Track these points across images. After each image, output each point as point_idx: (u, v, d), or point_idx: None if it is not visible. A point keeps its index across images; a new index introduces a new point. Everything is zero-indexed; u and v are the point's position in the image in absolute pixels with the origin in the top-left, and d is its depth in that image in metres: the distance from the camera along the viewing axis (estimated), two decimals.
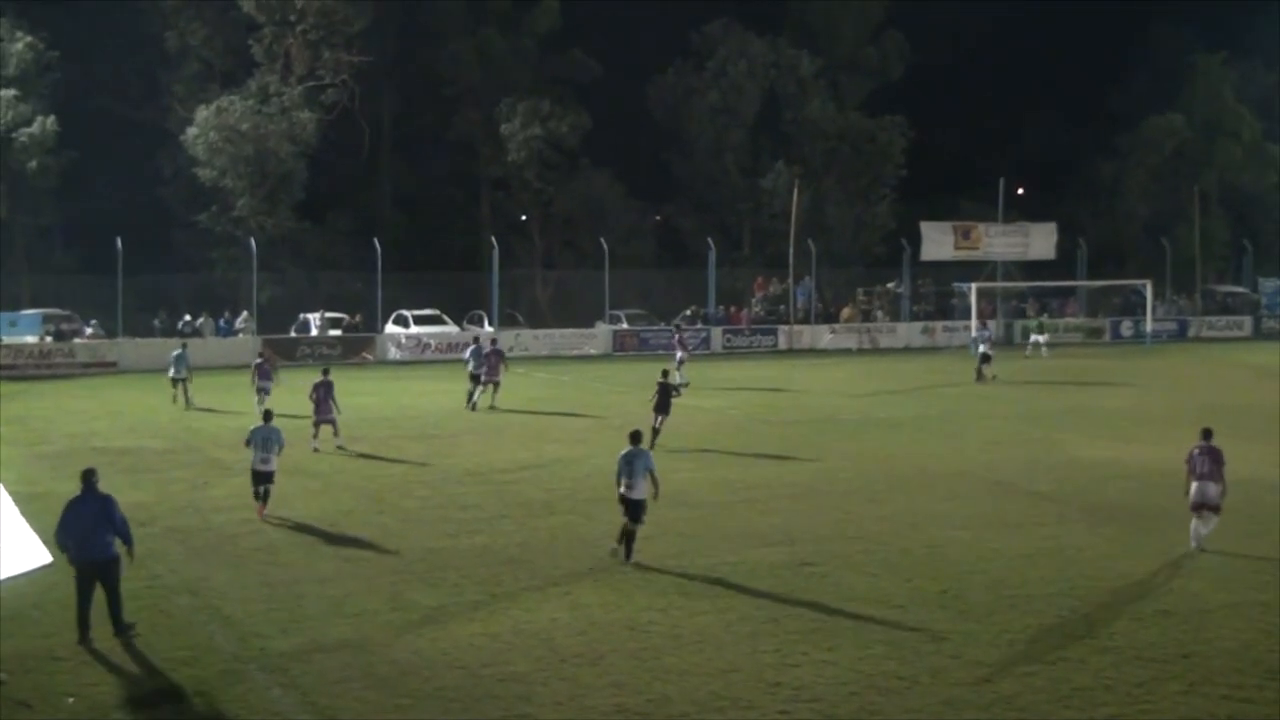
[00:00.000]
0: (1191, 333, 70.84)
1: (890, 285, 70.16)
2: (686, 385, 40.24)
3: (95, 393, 44.33)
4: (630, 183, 73.15)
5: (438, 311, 61.57)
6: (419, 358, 57.40)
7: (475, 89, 72.30)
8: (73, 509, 15.67)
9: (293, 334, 58.38)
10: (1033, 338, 60.21)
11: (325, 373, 31.88)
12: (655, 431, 30.20)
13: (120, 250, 53.03)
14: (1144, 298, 67.73)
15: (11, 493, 24.34)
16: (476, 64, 72.35)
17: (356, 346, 56.57)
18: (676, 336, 51.13)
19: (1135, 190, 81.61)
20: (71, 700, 13.79)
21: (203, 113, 61.82)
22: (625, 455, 19.14)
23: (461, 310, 63.31)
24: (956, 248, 68.30)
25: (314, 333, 58.20)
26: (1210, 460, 19.81)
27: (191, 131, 61.80)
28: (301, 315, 60.20)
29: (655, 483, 19.12)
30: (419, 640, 15.60)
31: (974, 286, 64.22)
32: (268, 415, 24.03)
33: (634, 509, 19.01)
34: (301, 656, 15.05)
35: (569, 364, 55.19)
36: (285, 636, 15.75)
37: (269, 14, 64.05)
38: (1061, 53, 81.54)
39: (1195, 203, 74.64)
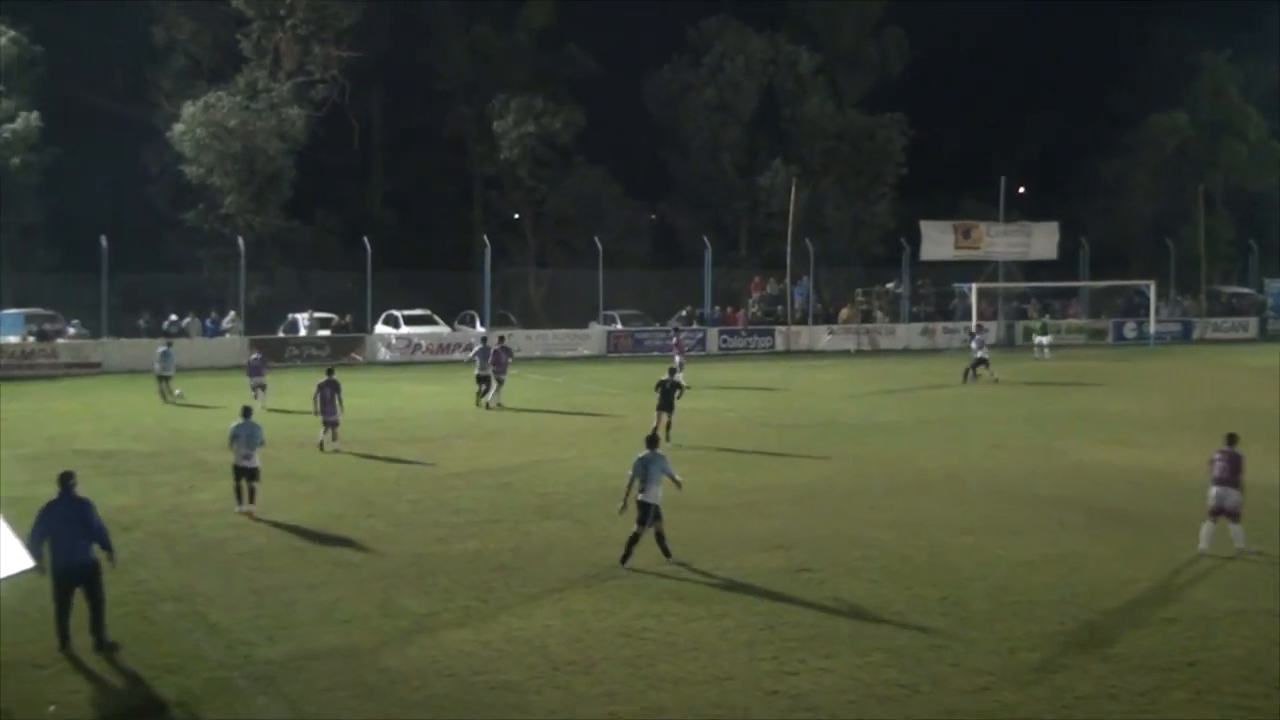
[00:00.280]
0: (1196, 334, 70.89)
1: (889, 285, 70.18)
2: (686, 388, 39.99)
3: (78, 394, 44.26)
4: (625, 181, 73.18)
5: (428, 312, 61.55)
6: (409, 359, 57.37)
7: (468, 85, 72.32)
8: (49, 513, 15.51)
9: (281, 334, 58.34)
10: (1036, 339, 60.24)
11: (330, 373, 32.21)
12: (667, 426, 30.68)
13: (105, 249, 52.96)
14: (1147, 299, 67.82)
15: None
16: (469, 60, 72.41)
17: (346, 347, 56.51)
18: (674, 339, 51.13)
19: (1139, 189, 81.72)
20: (53, 709, 13.75)
21: (190, 109, 61.75)
22: (641, 459, 19.18)
23: (453, 310, 63.27)
24: (957, 247, 68.37)
25: (303, 333, 58.17)
26: (1229, 466, 19.80)
27: (178, 128, 61.73)
28: (290, 315, 60.15)
29: (676, 484, 19.32)
30: (409, 648, 15.57)
31: (974, 287, 64.35)
32: (247, 411, 24.00)
33: (648, 513, 19.04)
34: (289, 664, 15.00)
35: (562, 365, 55.17)
36: (273, 644, 15.71)
37: (258, 8, 64.03)
38: (1064, 49, 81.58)
39: (1200, 202, 74.74)
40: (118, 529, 18.93)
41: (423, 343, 58.51)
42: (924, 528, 21.92)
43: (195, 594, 17.97)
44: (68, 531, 15.36)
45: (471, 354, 41.72)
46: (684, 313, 65.61)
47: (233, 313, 58.35)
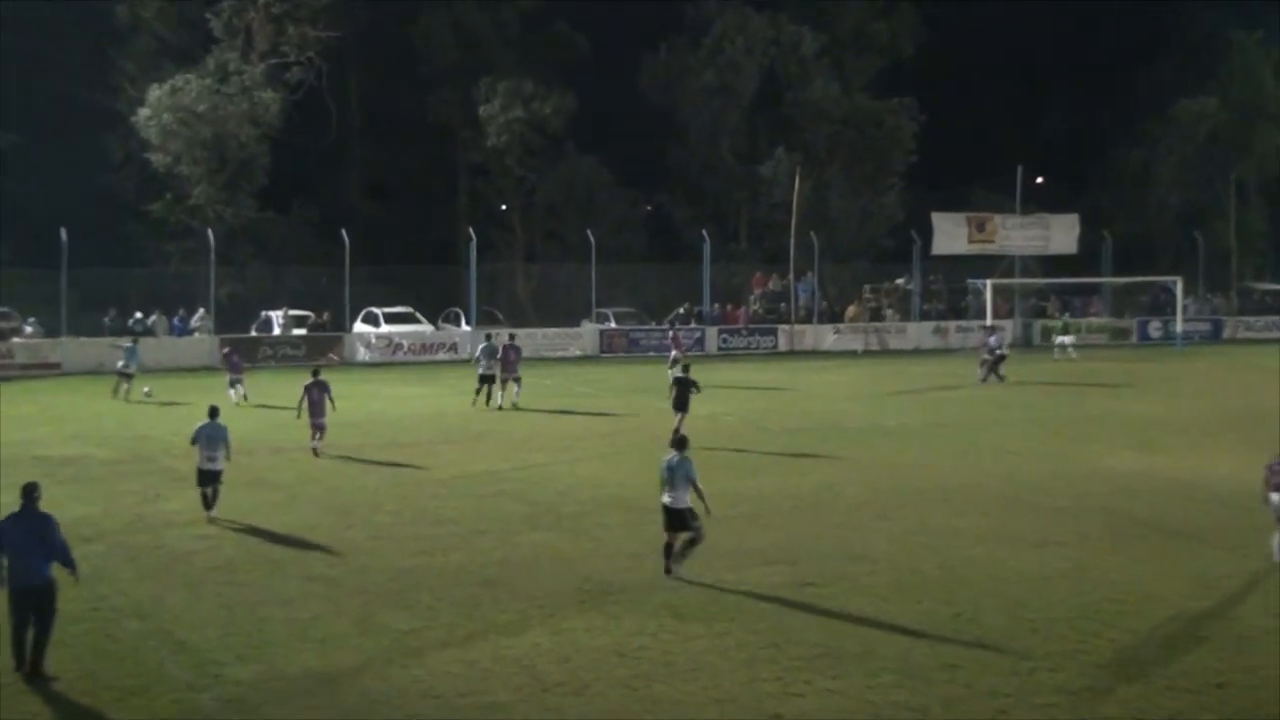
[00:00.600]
0: (1226, 334, 71.01)
1: (899, 281, 70.24)
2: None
3: (35, 396, 44.20)
4: (619, 170, 73.21)
5: (411, 309, 61.56)
6: (390, 359, 57.36)
7: (452, 68, 72.31)
8: (6, 527, 15.45)
9: (254, 333, 58.31)
10: (1057, 339, 60.24)
11: (316, 373, 32.29)
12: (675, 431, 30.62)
13: (64, 242, 52.86)
14: (1174, 296, 67.83)
15: None
16: (453, 41, 72.43)
17: (323, 347, 56.47)
18: (671, 335, 51.48)
19: (1165, 179, 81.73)
20: None
21: (156, 93, 61.71)
22: (668, 463, 19.31)
23: (436, 308, 63.27)
24: (971, 241, 68.33)
25: (277, 332, 58.13)
26: None
27: (143, 113, 61.71)
28: (263, 313, 60.17)
29: (700, 493, 19.21)
30: (390, 668, 15.54)
31: (989, 283, 64.32)
32: (213, 411, 24.18)
33: (674, 519, 19.11)
34: (262, 686, 14.97)
35: (552, 366, 55.14)
36: (244, 664, 15.67)
37: None
38: (1085, 29, 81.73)
39: (1231, 193, 74.82)
40: (78, 541, 18.88)
41: (404, 342, 58.51)
42: (935, 539, 21.91)
43: (161, 610, 17.93)
44: (26, 548, 15.19)
45: (476, 352, 42.62)
46: (681, 310, 65.61)
47: (202, 310, 58.28)
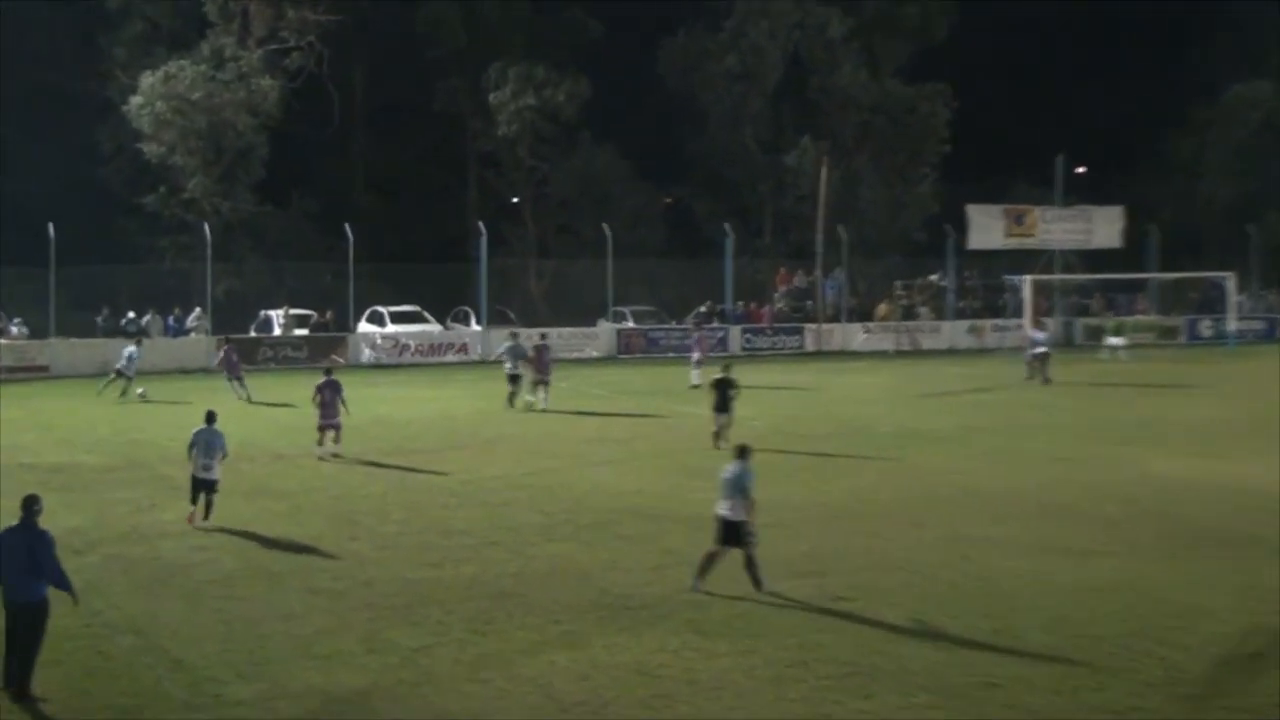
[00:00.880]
0: None
1: (933, 278, 70.20)
2: (698, 386, 43.24)
3: (22, 400, 44.28)
4: (636, 160, 73.29)
5: (418, 308, 61.66)
6: (397, 361, 57.44)
7: (460, 53, 72.44)
8: (4, 541, 15.27)
9: (253, 333, 58.42)
10: (1108, 340, 60.02)
11: (328, 372, 32.88)
12: (716, 434, 31.89)
13: (52, 238, 52.94)
14: (1226, 292, 67.63)
15: None
16: (461, 24, 72.45)
17: (325, 348, 56.50)
18: (695, 335, 51.65)
19: (1216, 168, 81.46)
20: None
21: (148, 80, 61.83)
22: (726, 471, 19.36)
23: (445, 307, 63.38)
24: (1008, 235, 68.23)
25: (277, 332, 58.25)
26: None
27: (135, 102, 61.83)
28: (263, 312, 60.28)
29: (750, 506, 19.14)
30: (398, 686, 15.54)
31: (1028, 279, 64.14)
32: (210, 416, 24.48)
33: (728, 532, 19.10)
34: (263, 705, 14.99)
35: (567, 368, 54.98)
36: (244, 682, 15.69)
37: None
38: (1130, 11, 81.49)
39: None
40: (69, 553, 18.89)
41: (411, 343, 58.59)
42: (973, 549, 21.87)
43: (157, 626, 17.96)
44: (21, 564, 15.15)
45: (499, 352, 43.63)
46: (703, 309, 65.62)
47: (198, 309, 58.41)
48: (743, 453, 19.65)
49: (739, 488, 19.09)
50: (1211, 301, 71.43)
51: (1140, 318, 69.96)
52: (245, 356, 52.14)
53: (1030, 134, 76.41)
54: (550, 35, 73.43)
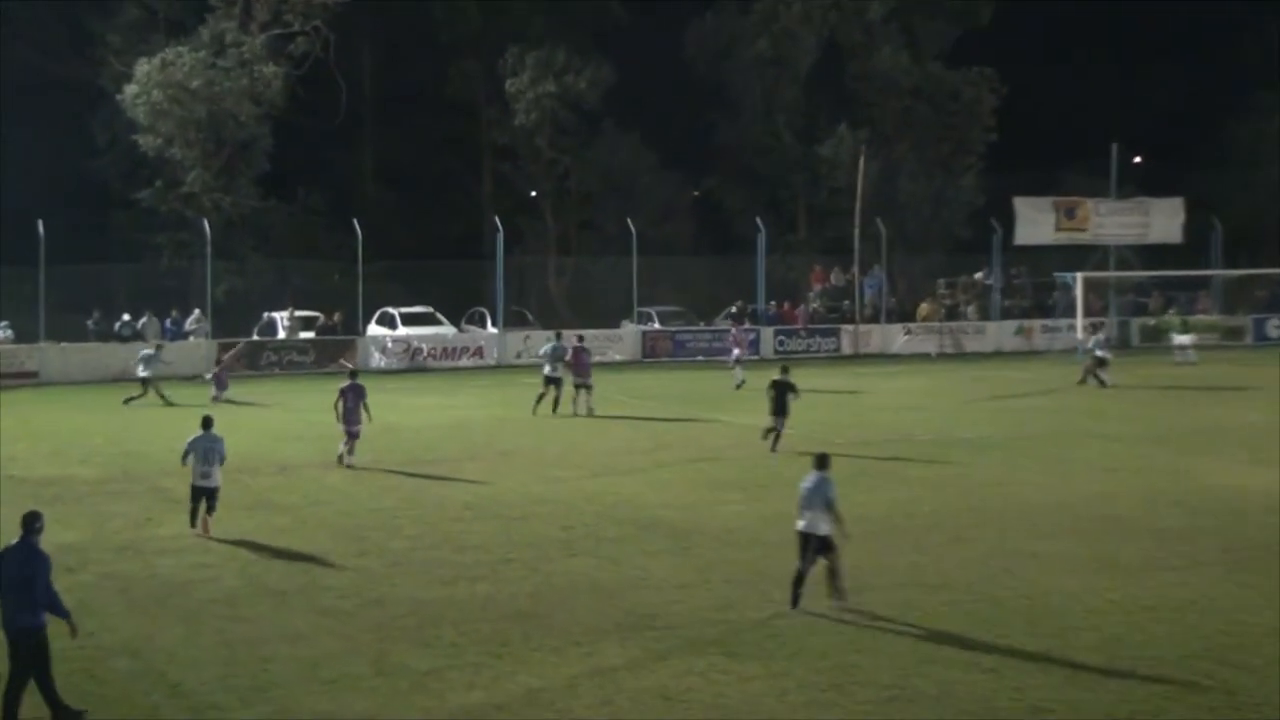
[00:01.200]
0: None
1: (978, 276, 70.04)
2: (743, 383, 46.68)
3: (11, 409, 44.34)
4: (662, 151, 73.24)
5: (430, 309, 61.76)
6: (409, 365, 57.53)
7: (475, 37, 72.59)
8: (5, 559, 15.16)
9: (256, 336, 58.54)
10: (1175, 339, 59.65)
11: (353, 376, 33.20)
12: (777, 436, 33.09)
13: (42, 235, 53.08)
14: None
15: None
16: (476, 6, 72.51)
17: (333, 352, 56.68)
18: (732, 334, 51.92)
19: None
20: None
21: (144, 67, 61.94)
22: (805, 483, 19.39)
23: (459, 307, 63.46)
24: (1059, 229, 67.95)
25: (281, 335, 58.37)
26: None
27: (130, 90, 61.94)
28: (266, 314, 60.37)
29: (837, 518, 19.19)
30: (409, 710, 15.60)
31: (1080, 276, 63.88)
32: (207, 422, 24.85)
33: (812, 546, 19.14)
34: None
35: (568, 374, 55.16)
36: (247, 708, 15.76)
37: None
38: None
39: None
40: (62, 571, 18.92)
41: (424, 346, 58.69)
42: (1020, 566, 21.86)
43: (154, 648, 18.04)
44: (19, 586, 14.92)
45: (540, 353, 44.62)
46: (733, 309, 65.57)
47: (197, 311, 58.53)
48: (822, 462, 19.67)
49: (821, 499, 19.11)
50: (1279, 300, 71.12)
51: (1202, 317, 69.60)
52: (249, 362, 52.47)
53: (1081, 121, 76.14)
54: (570, 17, 73.38)
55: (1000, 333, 66.76)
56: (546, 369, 42.08)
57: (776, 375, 34.39)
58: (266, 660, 17.40)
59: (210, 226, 58.52)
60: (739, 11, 74.12)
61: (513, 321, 62.16)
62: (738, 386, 47.59)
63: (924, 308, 67.89)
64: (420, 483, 30.08)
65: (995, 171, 73.61)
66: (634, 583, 20.91)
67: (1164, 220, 68.95)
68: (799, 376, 35.54)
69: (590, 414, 41.24)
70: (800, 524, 19.29)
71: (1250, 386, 48.11)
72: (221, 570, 22.12)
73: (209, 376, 46.53)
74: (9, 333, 55.46)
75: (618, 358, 60.62)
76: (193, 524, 24.29)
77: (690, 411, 42.38)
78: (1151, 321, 65.91)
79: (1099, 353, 48.16)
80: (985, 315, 68.21)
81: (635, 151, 72.63)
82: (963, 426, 38.60)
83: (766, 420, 33.68)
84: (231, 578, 21.67)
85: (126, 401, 43.90)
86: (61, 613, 15.27)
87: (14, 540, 15.41)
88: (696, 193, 77.23)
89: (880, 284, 67.09)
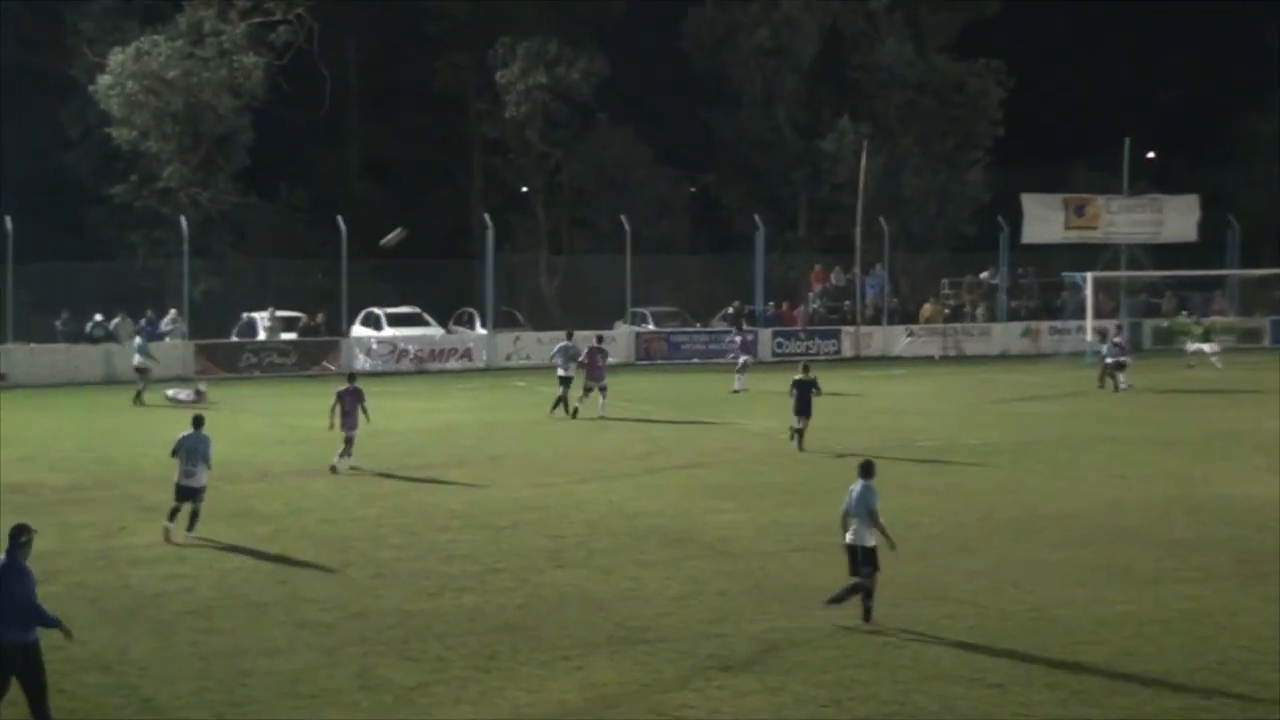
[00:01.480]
0: None
1: (983, 275, 70.06)
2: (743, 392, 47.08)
3: None
4: (658, 145, 73.21)
5: (417, 310, 61.70)
6: (394, 368, 57.45)
7: (464, 27, 72.50)
8: None
9: (235, 338, 58.48)
10: (1192, 345, 59.40)
11: (351, 379, 33.48)
12: (799, 434, 34.12)
13: (10, 232, 53.01)
14: None
15: None
16: None
17: (316, 354, 56.68)
18: (737, 337, 51.77)
19: None
20: None
21: (118, 57, 61.75)
22: (851, 492, 19.38)
23: (447, 308, 63.41)
24: (1068, 227, 67.93)
25: (262, 336, 58.26)
26: None
27: (104, 81, 61.78)
28: (246, 314, 60.26)
29: (879, 527, 19.16)
30: None
31: (1090, 276, 63.91)
32: (197, 421, 25.14)
33: (857, 558, 19.14)
34: None
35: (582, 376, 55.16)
36: None
37: None
38: None
39: None
40: None
41: (410, 348, 58.63)
42: (1027, 577, 21.87)
43: (126, 661, 18.03)
44: (11, 602, 14.94)
45: (552, 353, 44.76)
46: (731, 309, 65.45)
47: (173, 311, 58.36)
48: (866, 470, 19.69)
49: (865, 509, 19.12)
50: None
51: (1218, 319, 69.48)
52: (227, 364, 52.38)
53: (1092, 115, 76.23)
54: (563, 6, 73.29)
55: (1006, 335, 66.75)
56: (559, 370, 42.67)
57: (799, 375, 35.23)
58: (244, 674, 17.39)
59: (188, 223, 58.36)
60: (738, 1, 73.91)
61: (502, 323, 62.10)
62: (734, 391, 47.63)
63: (927, 308, 67.86)
64: (407, 490, 30.12)
65: (1002, 167, 73.58)
66: (626, 594, 20.92)
67: (1178, 218, 68.91)
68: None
69: (604, 418, 41.39)
70: (847, 536, 19.28)
71: (1267, 390, 48.03)
72: (197, 581, 22.11)
73: (192, 395, 46.01)
74: None
75: (611, 360, 60.44)
76: (170, 518, 24.40)
77: (684, 415, 42.39)
78: (1164, 323, 65.83)
79: (1109, 359, 48.15)
80: (991, 317, 68.20)
81: (630, 145, 72.55)
82: (968, 431, 38.62)
83: (791, 420, 34.85)
84: (208, 588, 21.66)
85: (135, 402, 44.34)
86: (47, 622, 15.20)
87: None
88: (693, 188, 77.12)
89: (882, 284, 67.07)
